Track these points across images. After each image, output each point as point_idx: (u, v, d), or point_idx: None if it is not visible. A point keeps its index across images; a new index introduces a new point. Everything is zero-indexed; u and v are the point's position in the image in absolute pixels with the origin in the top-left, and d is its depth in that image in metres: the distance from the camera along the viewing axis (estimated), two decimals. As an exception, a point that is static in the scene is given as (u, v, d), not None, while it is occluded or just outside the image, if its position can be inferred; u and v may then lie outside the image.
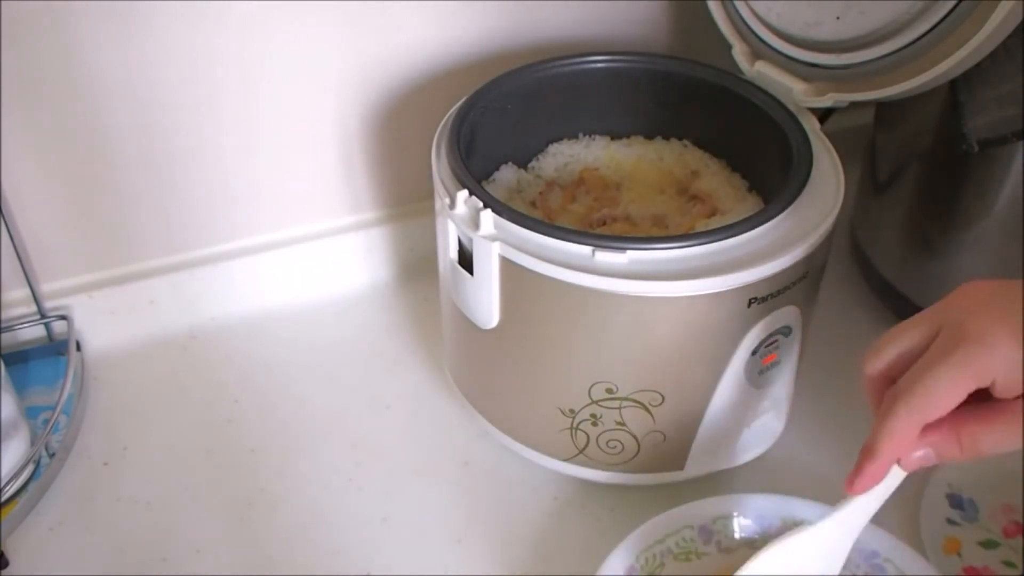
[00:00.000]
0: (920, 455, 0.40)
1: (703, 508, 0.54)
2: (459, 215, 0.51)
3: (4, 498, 0.58)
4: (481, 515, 0.59)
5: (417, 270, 0.77)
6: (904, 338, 0.41)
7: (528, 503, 0.60)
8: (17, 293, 0.68)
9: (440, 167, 0.55)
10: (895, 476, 0.42)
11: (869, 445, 0.41)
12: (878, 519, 0.52)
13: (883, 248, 0.71)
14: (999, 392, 0.38)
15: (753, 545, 0.52)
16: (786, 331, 0.52)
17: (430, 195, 0.56)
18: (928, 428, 0.39)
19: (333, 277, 0.75)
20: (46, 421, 0.62)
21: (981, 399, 0.39)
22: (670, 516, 0.53)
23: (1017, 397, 0.38)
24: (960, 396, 0.38)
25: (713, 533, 0.53)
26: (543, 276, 0.49)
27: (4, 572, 0.56)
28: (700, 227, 0.58)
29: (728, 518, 0.54)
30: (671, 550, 0.53)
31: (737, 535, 0.54)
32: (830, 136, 0.57)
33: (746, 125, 0.60)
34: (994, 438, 0.39)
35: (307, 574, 0.56)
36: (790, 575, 0.45)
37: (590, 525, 0.58)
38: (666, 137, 0.66)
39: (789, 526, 0.53)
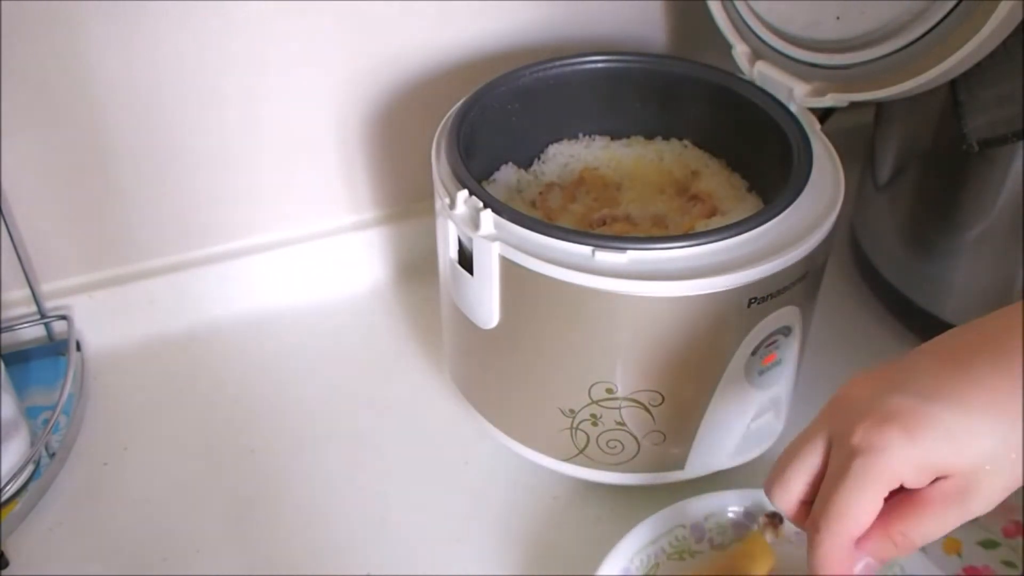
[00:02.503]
0: (861, 567, 0.40)
1: (694, 506, 0.54)
2: (459, 215, 0.51)
3: (4, 498, 0.58)
4: (481, 515, 0.59)
5: (417, 270, 0.77)
6: (802, 463, 0.41)
7: (528, 503, 0.60)
8: (17, 293, 0.68)
9: (440, 167, 0.55)
10: None
11: None
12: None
13: (883, 248, 0.71)
14: (911, 485, 0.38)
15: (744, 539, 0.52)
16: (786, 331, 0.52)
17: (430, 195, 0.56)
18: (860, 538, 0.39)
19: (333, 277, 0.75)
20: (46, 421, 0.62)
21: (902, 492, 0.39)
22: (661, 517, 0.53)
23: (933, 482, 0.38)
24: (875, 506, 0.38)
25: (705, 531, 0.53)
26: (543, 276, 0.49)
27: (4, 572, 0.56)
28: (700, 227, 0.58)
29: (719, 514, 0.54)
30: (664, 550, 0.53)
31: (730, 531, 0.54)
32: (830, 136, 0.57)
33: (746, 125, 0.60)
34: (924, 530, 0.38)
35: (307, 574, 0.56)
36: None
37: (590, 525, 0.58)
38: (666, 137, 0.66)
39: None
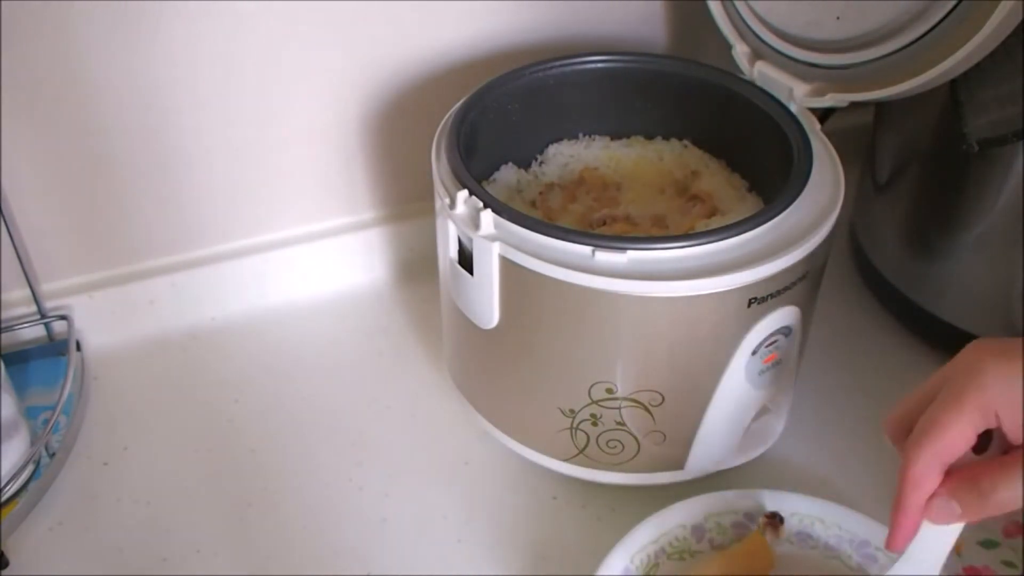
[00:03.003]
0: (942, 502, 0.41)
1: (694, 506, 0.54)
2: (459, 215, 0.51)
3: (4, 498, 0.58)
4: (481, 515, 0.59)
5: (417, 270, 0.77)
6: (917, 392, 0.43)
7: (528, 503, 0.60)
8: (17, 293, 0.68)
9: (440, 167, 0.55)
10: (940, 535, 0.42)
11: (896, 499, 0.42)
12: (876, 514, 0.53)
13: (883, 248, 0.71)
14: (1008, 427, 0.39)
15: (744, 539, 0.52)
16: (786, 331, 0.52)
17: (430, 195, 0.56)
18: (948, 477, 0.41)
19: (333, 277, 0.75)
20: (46, 421, 0.62)
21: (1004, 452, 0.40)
22: (661, 517, 0.53)
23: None
24: (968, 432, 0.40)
25: (705, 531, 0.53)
26: (543, 276, 0.49)
27: (4, 572, 0.56)
28: (700, 227, 0.58)
29: (720, 514, 0.54)
30: (664, 550, 0.53)
31: (730, 531, 0.54)
32: (830, 136, 0.57)
33: (746, 125, 0.60)
34: (1011, 484, 0.39)
35: (307, 574, 0.56)
36: None
37: (590, 525, 0.58)
38: (666, 137, 0.66)
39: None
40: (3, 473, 0.57)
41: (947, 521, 0.41)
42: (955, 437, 0.40)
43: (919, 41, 0.52)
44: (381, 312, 0.75)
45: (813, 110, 0.59)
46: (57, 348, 0.68)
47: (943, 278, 0.65)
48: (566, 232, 0.49)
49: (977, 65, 0.51)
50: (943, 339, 0.66)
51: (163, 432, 0.65)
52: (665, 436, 0.54)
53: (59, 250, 0.68)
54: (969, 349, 0.42)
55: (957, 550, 0.43)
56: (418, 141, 0.70)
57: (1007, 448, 0.41)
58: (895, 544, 0.42)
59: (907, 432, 0.42)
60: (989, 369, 0.39)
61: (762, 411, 0.56)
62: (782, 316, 0.51)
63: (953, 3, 0.50)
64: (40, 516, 0.59)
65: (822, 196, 0.53)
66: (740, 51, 0.63)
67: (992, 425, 0.40)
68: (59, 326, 0.69)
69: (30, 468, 0.60)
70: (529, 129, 0.65)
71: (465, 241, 0.52)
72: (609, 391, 0.52)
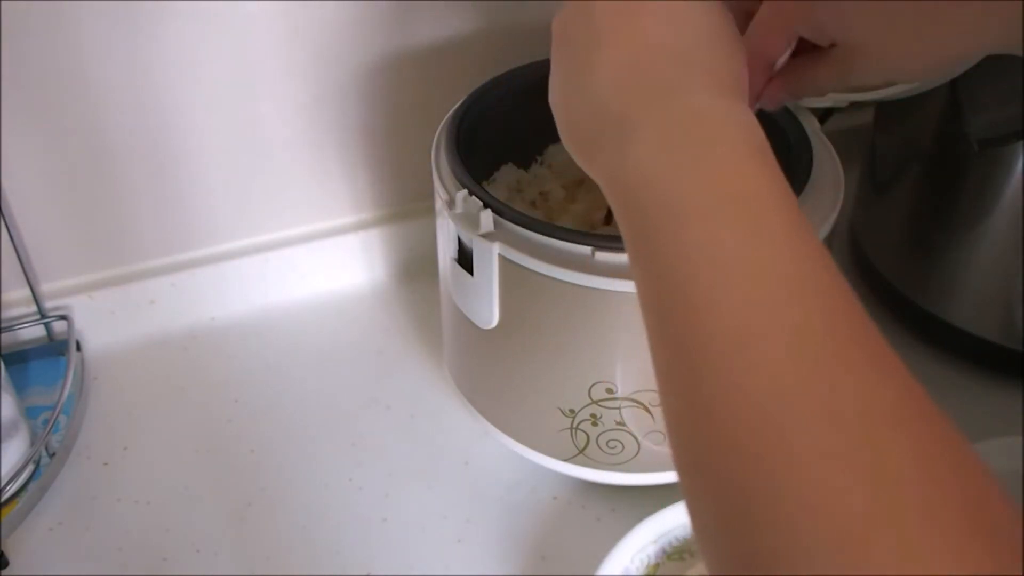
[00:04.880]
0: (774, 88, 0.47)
1: None
2: (459, 215, 0.51)
3: (4, 498, 0.58)
4: (481, 515, 0.59)
5: (417, 270, 0.77)
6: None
7: (528, 503, 0.60)
8: (17, 293, 0.68)
9: (440, 167, 0.55)
10: None
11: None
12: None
13: (883, 248, 0.70)
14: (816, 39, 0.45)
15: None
16: (786, 331, 0.52)
17: (430, 195, 0.56)
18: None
19: (333, 277, 0.75)
20: (46, 421, 0.62)
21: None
22: (661, 517, 0.53)
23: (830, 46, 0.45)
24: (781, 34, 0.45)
25: None
26: (543, 276, 0.49)
27: (4, 572, 0.56)
28: (700, 227, 0.58)
29: None
30: (664, 550, 0.53)
31: None
32: (830, 136, 0.57)
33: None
34: (817, 75, 0.46)
35: (307, 574, 0.56)
36: None
37: (590, 525, 0.58)
38: (666, 137, 0.66)
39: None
40: (3, 473, 0.57)
41: (776, 103, 0.48)
42: (771, 39, 0.45)
43: (919, 41, 0.52)
44: (381, 312, 0.75)
45: (813, 110, 0.59)
46: (57, 348, 0.68)
47: (943, 278, 0.65)
48: (566, 232, 0.49)
49: (977, 65, 0.51)
50: (943, 339, 0.66)
51: (163, 432, 0.65)
52: (665, 436, 0.54)
53: (59, 250, 0.68)
54: None
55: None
56: (418, 141, 0.70)
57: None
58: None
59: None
60: None
61: (762, 411, 0.56)
62: (782, 316, 0.51)
63: (953, 3, 0.50)
64: (40, 516, 0.59)
65: (822, 196, 0.52)
66: (740, 51, 0.63)
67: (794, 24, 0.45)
68: (59, 326, 0.69)
69: (30, 468, 0.60)
70: (529, 129, 0.64)
71: (465, 241, 0.52)
72: (609, 391, 0.52)
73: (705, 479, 0.28)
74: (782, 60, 0.47)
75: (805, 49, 0.46)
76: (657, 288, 0.31)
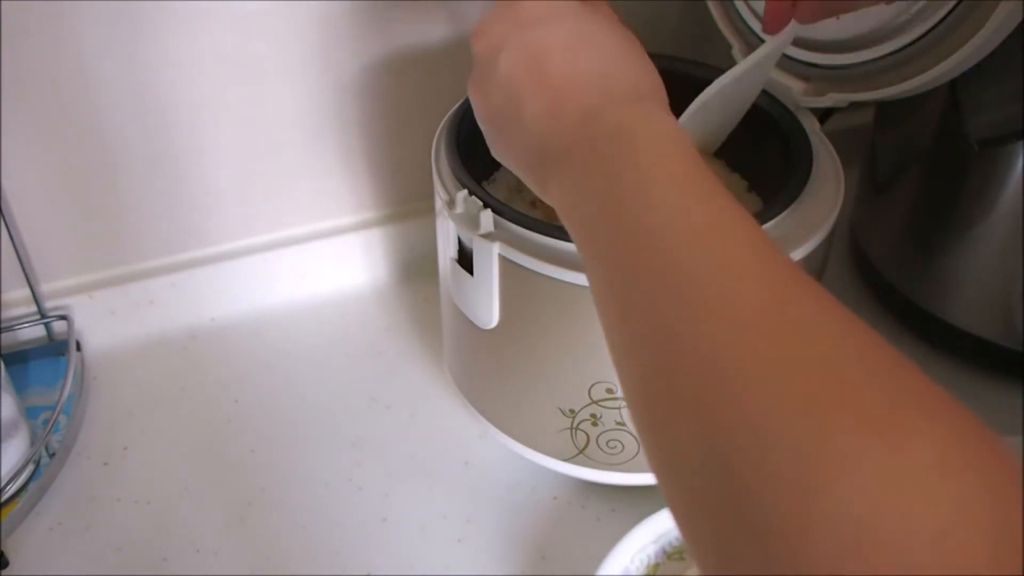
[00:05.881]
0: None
1: None
2: (459, 215, 0.51)
3: (4, 498, 0.58)
4: (481, 515, 0.59)
5: (417, 270, 0.77)
6: None
7: (528, 503, 0.60)
8: (17, 293, 0.68)
9: (440, 167, 0.55)
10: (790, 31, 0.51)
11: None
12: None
13: (883, 248, 0.71)
14: None
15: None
16: (786, 331, 0.52)
17: (430, 195, 0.56)
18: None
19: (333, 277, 0.75)
20: (46, 421, 0.62)
21: None
22: (662, 517, 0.53)
23: None
24: None
25: None
26: (543, 276, 0.49)
27: (4, 572, 0.56)
28: (700, 227, 0.58)
29: None
30: (664, 550, 0.53)
31: None
32: (830, 136, 0.57)
33: (746, 125, 0.60)
34: None
35: (307, 574, 0.56)
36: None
37: (590, 525, 0.58)
38: (666, 137, 0.66)
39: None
40: (3, 473, 0.57)
41: (815, 15, 0.49)
42: None
43: (919, 41, 0.52)
44: (381, 312, 0.75)
45: (813, 110, 0.59)
46: (57, 348, 0.68)
47: (943, 278, 0.65)
48: (566, 232, 0.49)
49: (977, 65, 0.51)
50: (943, 339, 0.66)
51: (163, 432, 0.65)
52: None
53: (59, 250, 0.68)
54: None
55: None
56: (418, 141, 0.70)
57: None
58: (770, 25, 0.50)
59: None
60: None
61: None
62: (782, 316, 0.51)
63: (953, 3, 0.50)
64: (40, 516, 0.59)
65: (822, 196, 0.53)
66: (740, 51, 0.63)
67: None
68: (59, 326, 0.69)
69: (30, 468, 0.60)
70: (529, 129, 0.64)
71: (465, 241, 0.52)
72: (609, 391, 0.52)
73: (671, 404, 0.29)
74: None
75: None
76: (617, 260, 0.34)
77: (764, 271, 0.30)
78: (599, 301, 0.35)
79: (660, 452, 0.30)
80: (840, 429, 0.25)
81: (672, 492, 0.30)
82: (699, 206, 0.33)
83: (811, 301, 0.29)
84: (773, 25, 0.50)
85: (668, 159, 0.35)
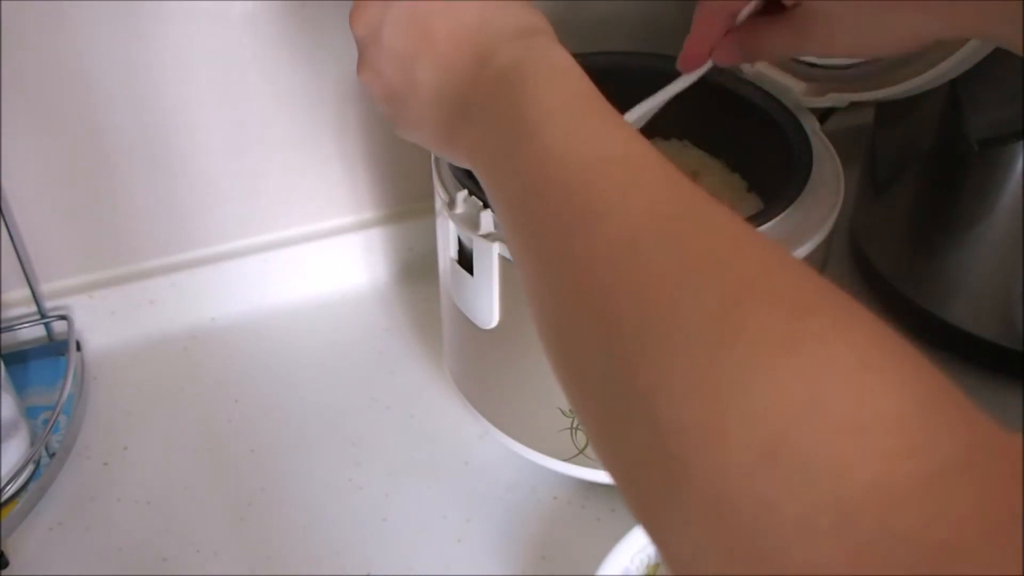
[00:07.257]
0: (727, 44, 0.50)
1: None
2: (459, 215, 0.51)
3: (4, 498, 0.58)
4: (481, 515, 0.59)
5: (417, 270, 0.77)
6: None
7: (528, 503, 0.60)
8: (17, 293, 0.68)
9: (440, 167, 0.55)
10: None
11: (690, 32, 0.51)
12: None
13: (883, 248, 0.71)
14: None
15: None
16: (786, 331, 0.52)
17: (430, 195, 0.56)
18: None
19: (333, 277, 0.75)
20: (46, 421, 0.62)
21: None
22: None
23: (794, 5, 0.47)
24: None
25: None
26: (543, 276, 0.49)
27: (4, 572, 0.56)
28: (700, 227, 0.58)
29: None
30: None
31: None
32: (830, 136, 0.57)
33: (746, 125, 0.60)
34: (774, 37, 0.48)
35: (307, 574, 0.56)
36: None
37: (590, 525, 0.58)
38: (665, 137, 0.66)
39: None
40: (3, 473, 0.57)
41: (730, 60, 0.51)
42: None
43: (919, 41, 0.52)
44: (381, 312, 0.75)
45: (813, 110, 0.59)
46: (57, 348, 0.68)
47: (943, 278, 0.65)
48: (566, 232, 0.49)
49: (977, 65, 0.51)
50: (943, 339, 0.66)
51: (163, 432, 0.65)
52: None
53: (59, 250, 0.68)
54: None
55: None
56: (418, 141, 0.70)
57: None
58: (685, 64, 0.52)
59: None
60: None
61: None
62: (782, 316, 0.51)
63: (953, 3, 0.50)
64: (40, 516, 0.59)
65: (822, 196, 0.52)
66: (740, 51, 0.63)
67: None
68: (59, 326, 0.69)
69: (30, 468, 0.60)
70: (529, 129, 0.64)
71: (465, 241, 0.52)
72: (609, 391, 0.52)
73: (584, 329, 0.30)
74: (744, 14, 0.49)
75: (770, 12, 0.48)
76: (521, 198, 0.34)
77: (661, 188, 0.31)
78: (508, 239, 0.35)
79: (569, 373, 0.31)
80: (745, 341, 0.25)
81: (586, 415, 0.30)
82: (596, 132, 0.33)
83: (711, 213, 0.29)
84: (689, 66, 0.52)
85: (564, 89, 0.35)
